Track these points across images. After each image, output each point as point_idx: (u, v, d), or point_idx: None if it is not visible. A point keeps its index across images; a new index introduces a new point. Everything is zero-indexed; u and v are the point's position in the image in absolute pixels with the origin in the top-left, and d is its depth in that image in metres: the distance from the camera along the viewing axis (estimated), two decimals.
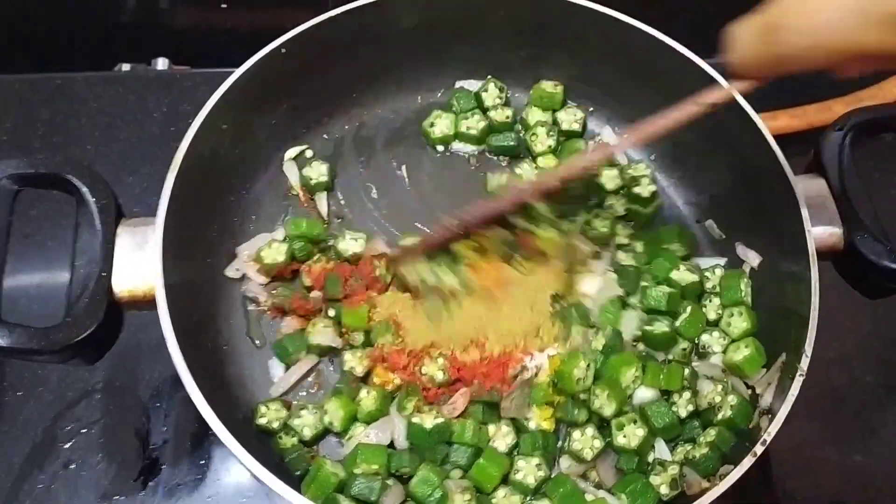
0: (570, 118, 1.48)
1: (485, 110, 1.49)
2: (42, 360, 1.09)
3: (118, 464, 1.33)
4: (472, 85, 1.51)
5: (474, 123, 1.47)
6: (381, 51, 1.44)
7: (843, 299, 1.28)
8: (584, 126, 1.49)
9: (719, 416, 1.21)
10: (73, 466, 1.32)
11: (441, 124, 1.47)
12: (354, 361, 1.26)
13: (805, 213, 1.19)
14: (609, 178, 1.43)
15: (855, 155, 1.25)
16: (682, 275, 1.32)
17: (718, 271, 1.34)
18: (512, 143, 1.47)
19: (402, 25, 1.42)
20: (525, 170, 1.45)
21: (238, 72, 1.28)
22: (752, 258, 1.33)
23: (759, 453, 1.06)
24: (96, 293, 1.11)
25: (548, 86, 1.49)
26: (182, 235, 1.19)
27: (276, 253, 1.33)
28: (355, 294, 1.29)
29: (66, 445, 1.33)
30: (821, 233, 1.21)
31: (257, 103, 1.35)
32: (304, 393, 1.28)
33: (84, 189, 1.15)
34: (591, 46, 1.43)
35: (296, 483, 1.17)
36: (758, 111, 1.27)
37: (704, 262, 1.37)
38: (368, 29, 1.40)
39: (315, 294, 1.31)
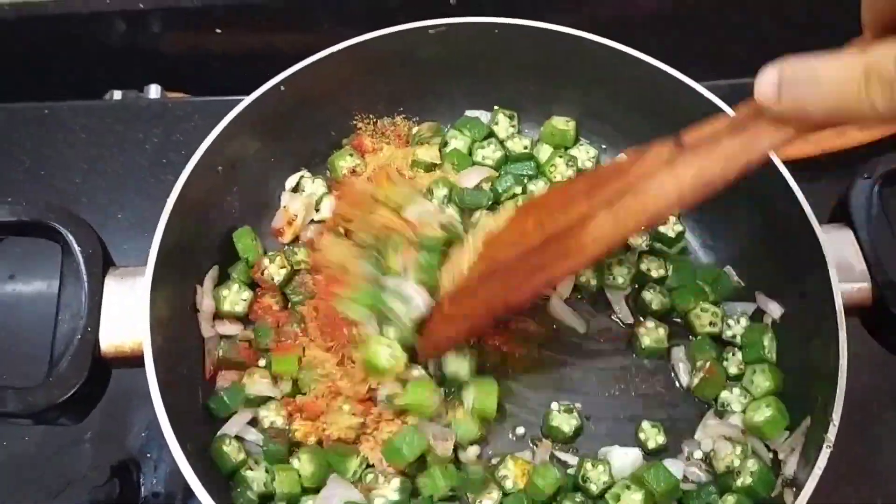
0: (583, 156, 1.42)
1: (500, 141, 1.43)
2: (21, 423, 1.04)
3: None
4: (481, 115, 1.45)
5: (490, 153, 1.41)
6: (384, 83, 1.40)
7: (868, 352, 1.21)
8: (598, 164, 1.43)
9: (738, 483, 1.15)
10: None
11: (456, 143, 1.42)
12: (272, 414, 1.19)
13: (832, 269, 1.13)
14: None
15: (884, 203, 1.20)
16: (702, 318, 1.28)
17: (743, 321, 1.28)
18: (531, 173, 1.41)
19: (407, 58, 1.37)
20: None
21: (232, 112, 1.22)
22: (774, 310, 1.26)
23: None
24: (81, 350, 1.06)
25: (559, 122, 1.43)
26: (172, 286, 1.15)
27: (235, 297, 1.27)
28: (287, 340, 1.23)
29: (55, 496, 1.28)
30: (848, 289, 1.15)
31: (254, 142, 1.30)
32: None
33: (70, 237, 1.10)
34: (602, 82, 1.37)
35: None
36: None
37: (730, 309, 1.31)
38: (371, 62, 1.35)
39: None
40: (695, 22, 1.80)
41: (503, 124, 1.43)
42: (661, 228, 1.34)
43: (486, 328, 1.22)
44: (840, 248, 1.17)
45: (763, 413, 1.18)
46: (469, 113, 1.45)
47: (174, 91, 1.77)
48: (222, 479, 1.14)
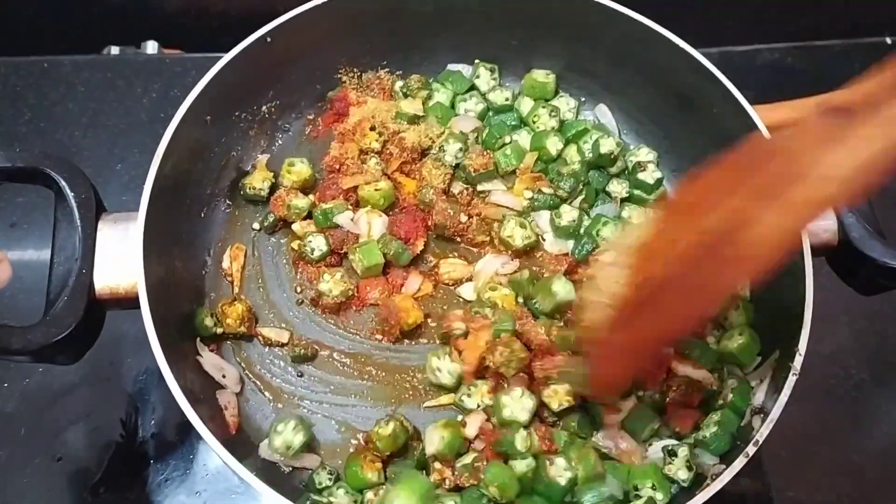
0: (563, 107, 1.45)
1: (482, 94, 1.46)
2: (20, 359, 1.08)
3: (106, 458, 1.32)
4: (464, 69, 1.48)
5: (472, 105, 1.44)
6: (369, 37, 1.42)
7: (836, 294, 1.26)
8: (577, 115, 1.46)
9: (720, 402, 1.19)
10: (60, 459, 1.31)
11: (439, 96, 1.45)
12: None
13: None
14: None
15: None
16: None
17: None
18: (514, 124, 1.44)
19: (391, 13, 1.39)
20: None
21: (219, 63, 1.25)
22: None
23: (751, 454, 1.04)
24: (76, 291, 1.09)
25: (539, 75, 1.45)
26: (165, 230, 1.18)
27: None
28: None
29: (53, 439, 1.32)
30: (815, 228, 1.19)
31: (241, 94, 1.33)
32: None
33: (63, 183, 1.13)
34: (585, 37, 1.40)
35: (280, 481, 1.16)
36: (759, 102, 1.25)
37: None
38: (355, 16, 1.37)
39: None
40: None
41: (484, 77, 1.46)
42: (640, 175, 1.37)
43: (655, 362, 1.18)
44: None
45: (737, 340, 1.22)
46: (451, 67, 1.48)
47: (171, 48, 1.79)
48: (219, 414, 1.19)
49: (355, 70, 1.45)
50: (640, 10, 1.32)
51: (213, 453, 1.27)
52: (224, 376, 1.23)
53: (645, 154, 1.41)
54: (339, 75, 1.44)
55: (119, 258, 1.12)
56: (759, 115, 1.23)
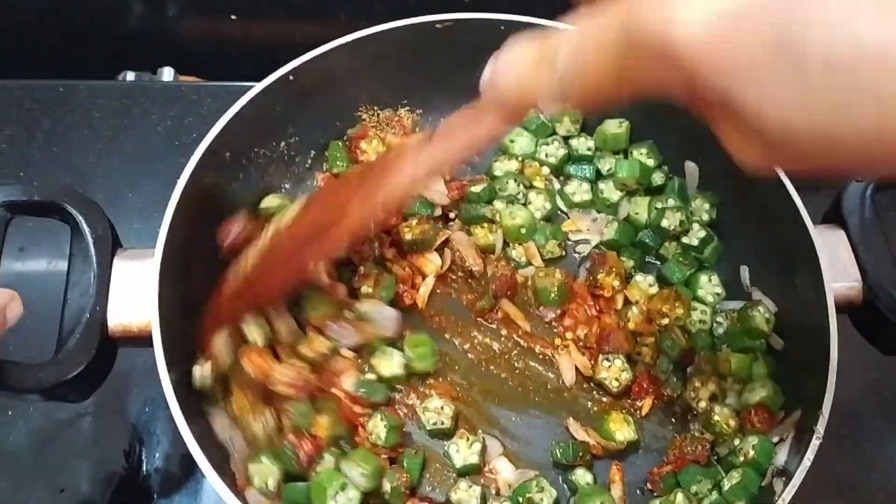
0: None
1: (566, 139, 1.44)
2: (30, 398, 1.07)
3: (109, 490, 1.30)
4: None
5: (553, 150, 1.43)
6: (390, 76, 1.41)
7: (850, 342, 1.21)
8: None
9: (741, 459, 1.17)
10: (63, 492, 1.29)
11: (521, 142, 1.44)
12: None
13: (825, 267, 1.15)
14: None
15: (876, 206, 1.22)
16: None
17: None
18: (590, 177, 1.42)
19: (413, 52, 1.38)
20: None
21: (241, 101, 1.24)
22: (768, 306, 1.28)
23: None
24: (89, 328, 1.08)
25: (612, 125, 1.42)
26: (180, 268, 1.16)
27: None
28: None
29: (57, 470, 1.31)
30: (840, 287, 1.17)
31: (261, 131, 1.32)
32: None
33: (80, 218, 1.13)
34: None
35: None
36: None
37: (722, 307, 1.33)
38: (379, 54, 1.36)
39: None
40: None
41: (565, 124, 1.45)
42: (685, 239, 1.35)
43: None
44: (833, 248, 1.20)
45: (759, 393, 1.21)
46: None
47: (187, 76, 1.78)
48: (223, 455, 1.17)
49: (375, 108, 1.44)
50: None
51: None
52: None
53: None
54: (360, 113, 1.43)
55: (133, 296, 1.11)
56: None
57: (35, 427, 1.34)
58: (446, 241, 1.35)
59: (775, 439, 1.18)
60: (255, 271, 1.16)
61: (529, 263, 1.35)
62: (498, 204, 1.38)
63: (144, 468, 1.32)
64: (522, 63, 0.78)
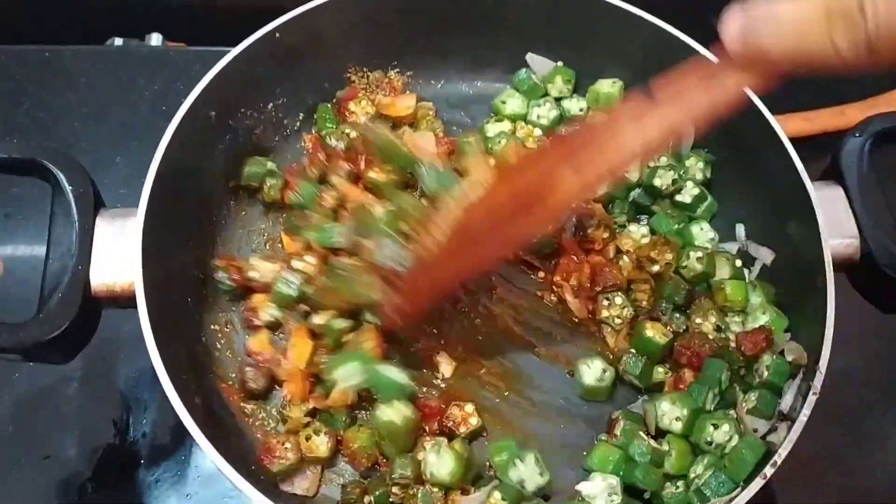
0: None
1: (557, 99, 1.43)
2: (10, 358, 1.05)
3: (96, 458, 1.29)
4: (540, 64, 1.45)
5: (545, 112, 1.41)
6: (378, 36, 1.40)
7: (849, 314, 1.19)
8: None
9: (756, 380, 1.17)
10: (48, 459, 1.28)
11: (512, 104, 1.42)
12: None
13: (822, 224, 1.14)
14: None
15: (874, 163, 1.20)
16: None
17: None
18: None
19: (403, 12, 1.37)
20: None
21: (227, 58, 1.23)
22: (766, 255, 1.27)
23: (769, 475, 1.02)
24: (71, 288, 1.06)
25: (604, 85, 1.40)
26: (163, 228, 1.15)
27: None
28: None
29: (43, 437, 1.29)
30: (837, 244, 1.16)
31: (247, 91, 1.30)
32: None
33: (61, 176, 1.11)
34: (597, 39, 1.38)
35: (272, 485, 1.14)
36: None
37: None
38: (367, 13, 1.35)
39: None
40: None
41: (558, 84, 1.43)
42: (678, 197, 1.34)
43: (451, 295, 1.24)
44: (830, 204, 1.18)
45: (760, 319, 1.21)
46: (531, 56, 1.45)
47: (175, 41, 1.76)
48: (213, 420, 1.16)
49: (364, 69, 1.42)
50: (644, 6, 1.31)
51: (205, 456, 1.25)
52: None
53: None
54: (349, 74, 1.41)
55: (116, 255, 1.09)
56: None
57: (19, 394, 1.32)
58: None
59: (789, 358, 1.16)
60: (444, 253, 1.11)
61: None
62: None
63: (131, 435, 1.30)
64: (805, 14, 0.71)
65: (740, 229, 1.32)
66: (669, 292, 1.25)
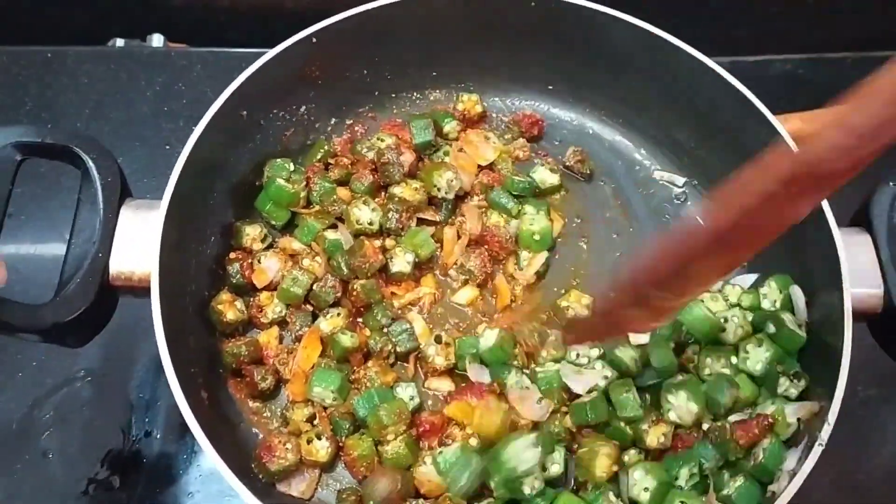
0: None
1: None
2: (28, 338, 1.06)
3: (98, 455, 1.28)
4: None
5: None
6: (413, 48, 1.40)
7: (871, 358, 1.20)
8: None
9: (750, 463, 1.13)
10: (50, 456, 1.28)
11: None
12: None
13: (845, 271, 1.12)
14: None
15: None
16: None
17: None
18: None
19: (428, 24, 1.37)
20: None
21: (262, 59, 1.23)
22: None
23: None
24: (91, 273, 1.07)
25: None
26: (185, 221, 1.16)
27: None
28: None
29: (44, 434, 1.29)
30: (860, 293, 1.13)
31: (281, 92, 1.31)
32: None
33: (90, 164, 1.12)
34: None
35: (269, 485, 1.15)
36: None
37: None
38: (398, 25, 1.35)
39: None
40: None
41: None
42: None
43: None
44: (857, 252, 1.16)
45: (768, 408, 1.16)
46: None
47: (177, 42, 1.75)
48: (218, 415, 1.17)
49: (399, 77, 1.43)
50: (648, 18, 1.30)
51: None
52: None
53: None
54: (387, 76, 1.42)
55: (137, 245, 1.10)
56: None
57: (23, 390, 1.32)
58: None
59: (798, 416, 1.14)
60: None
61: None
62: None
63: (134, 432, 1.30)
64: None
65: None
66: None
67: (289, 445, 1.14)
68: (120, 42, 1.73)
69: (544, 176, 1.40)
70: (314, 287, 1.24)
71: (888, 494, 1.32)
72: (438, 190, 1.31)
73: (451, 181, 1.31)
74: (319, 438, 1.16)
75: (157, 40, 1.74)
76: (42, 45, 1.66)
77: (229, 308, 1.22)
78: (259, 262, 1.26)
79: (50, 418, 1.30)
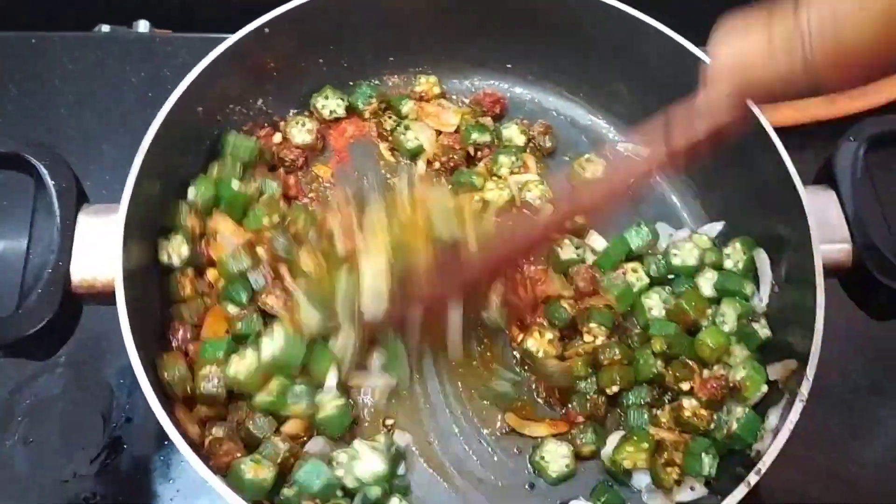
0: None
1: None
2: None
3: (79, 442, 1.28)
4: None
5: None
6: (372, 37, 1.39)
7: (836, 300, 1.19)
8: None
9: (723, 432, 1.15)
10: (31, 442, 1.27)
11: None
12: None
13: (813, 229, 1.12)
14: None
15: (869, 168, 1.18)
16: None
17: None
18: None
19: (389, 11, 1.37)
20: None
21: (214, 53, 1.21)
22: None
23: (752, 483, 1.02)
24: (52, 283, 1.05)
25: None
26: (146, 224, 1.14)
27: None
28: None
29: (24, 421, 1.28)
30: (829, 249, 1.14)
31: (236, 86, 1.29)
32: None
33: (43, 170, 1.09)
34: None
35: None
36: None
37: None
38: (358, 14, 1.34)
39: None
40: None
41: None
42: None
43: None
44: (823, 209, 1.17)
45: (740, 372, 1.17)
46: None
47: (162, 29, 1.73)
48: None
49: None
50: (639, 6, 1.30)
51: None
52: None
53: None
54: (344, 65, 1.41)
55: (98, 251, 1.08)
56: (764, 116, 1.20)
57: (3, 376, 1.31)
58: None
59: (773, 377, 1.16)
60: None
61: None
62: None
63: (114, 419, 1.29)
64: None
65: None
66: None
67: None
68: (105, 28, 1.71)
69: (512, 133, 1.41)
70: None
71: (877, 484, 1.34)
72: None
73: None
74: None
75: (142, 26, 1.72)
76: (27, 31, 1.64)
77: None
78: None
79: (29, 405, 1.29)
